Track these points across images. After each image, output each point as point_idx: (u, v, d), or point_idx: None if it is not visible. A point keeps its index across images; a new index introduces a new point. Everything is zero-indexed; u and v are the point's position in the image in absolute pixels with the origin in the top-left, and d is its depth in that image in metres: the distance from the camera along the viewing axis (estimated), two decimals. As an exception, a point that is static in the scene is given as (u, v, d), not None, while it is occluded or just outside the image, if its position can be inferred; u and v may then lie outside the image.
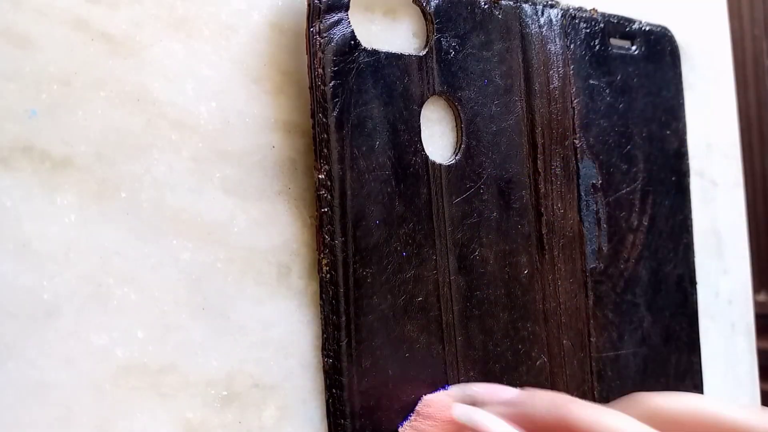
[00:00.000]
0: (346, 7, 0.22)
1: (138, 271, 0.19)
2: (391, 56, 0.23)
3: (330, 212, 0.21)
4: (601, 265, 0.31)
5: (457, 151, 0.25)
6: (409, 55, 0.24)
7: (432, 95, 0.24)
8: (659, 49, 0.35)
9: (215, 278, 0.20)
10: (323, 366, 0.22)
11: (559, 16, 0.29)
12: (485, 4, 0.26)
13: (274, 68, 0.22)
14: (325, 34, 0.21)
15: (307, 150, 0.23)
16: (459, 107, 0.25)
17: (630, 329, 0.31)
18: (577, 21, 0.30)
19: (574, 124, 0.30)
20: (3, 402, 0.17)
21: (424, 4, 0.24)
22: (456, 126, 0.25)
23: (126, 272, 0.19)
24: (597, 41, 0.31)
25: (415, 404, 0.23)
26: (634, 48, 0.33)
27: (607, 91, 0.32)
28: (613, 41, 0.32)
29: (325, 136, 0.21)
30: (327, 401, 0.22)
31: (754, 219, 0.55)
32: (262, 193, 0.22)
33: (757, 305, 0.43)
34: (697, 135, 0.38)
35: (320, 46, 0.21)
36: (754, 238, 0.52)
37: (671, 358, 0.32)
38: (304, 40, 0.21)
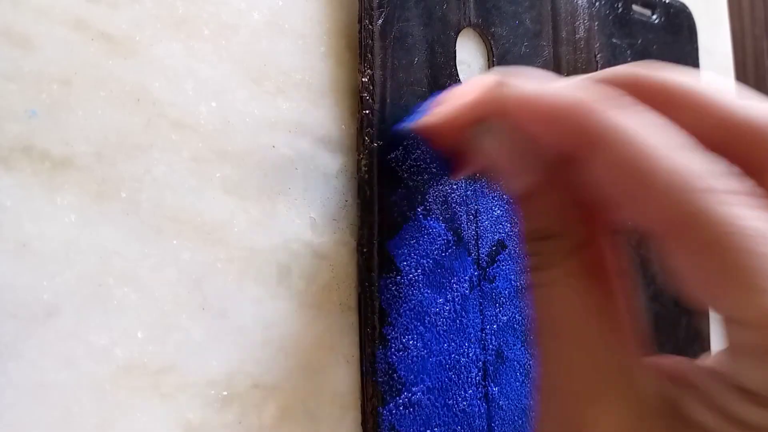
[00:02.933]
0: None
1: (138, 271, 0.19)
2: None
3: (370, 115, 0.23)
4: None
5: None
6: None
7: (467, 26, 0.26)
8: (678, 23, 0.36)
9: (215, 278, 0.20)
10: (357, 263, 0.23)
11: None
12: None
13: (274, 68, 0.22)
14: None
15: (307, 150, 0.23)
16: (492, 42, 0.27)
17: (644, 281, 0.31)
18: None
19: None
20: (3, 402, 0.17)
21: None
22: (488, 60, 0.27)
23: (126, 272, 0.19)
24: (620, 4, 0.33)
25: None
26: (654, 17, 0.34)
27: (629, 52, 0.33)
28: (635, 8, 0.33)
29: (370, 41, 0.23)
30: (359, 295, 0.23)
31: (754, 219, 0.55)
32: (262, 193, 0.22)
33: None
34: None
35: None
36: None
37: (681, 320, 0.33)
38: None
